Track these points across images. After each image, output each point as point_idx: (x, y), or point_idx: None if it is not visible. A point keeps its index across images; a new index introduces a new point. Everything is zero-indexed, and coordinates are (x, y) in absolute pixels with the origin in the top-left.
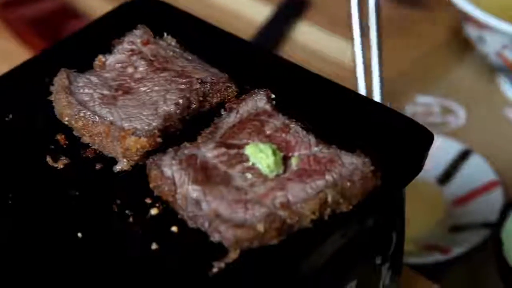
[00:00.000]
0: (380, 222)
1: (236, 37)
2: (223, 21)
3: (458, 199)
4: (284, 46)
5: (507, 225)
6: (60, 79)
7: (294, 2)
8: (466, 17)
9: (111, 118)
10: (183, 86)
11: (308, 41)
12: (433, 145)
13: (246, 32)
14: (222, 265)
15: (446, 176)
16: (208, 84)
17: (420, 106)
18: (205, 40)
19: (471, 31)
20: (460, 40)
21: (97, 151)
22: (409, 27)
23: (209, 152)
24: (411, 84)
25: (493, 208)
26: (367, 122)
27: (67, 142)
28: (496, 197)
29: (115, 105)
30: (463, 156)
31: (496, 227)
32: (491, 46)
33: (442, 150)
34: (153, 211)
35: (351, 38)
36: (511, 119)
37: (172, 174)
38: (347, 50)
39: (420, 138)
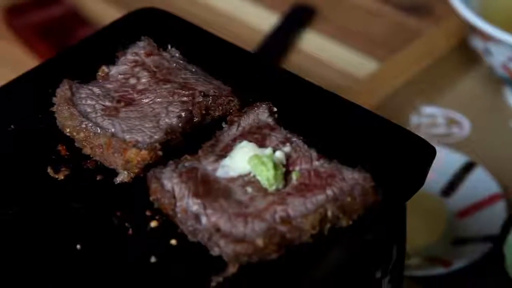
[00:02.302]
0: (381, 236)
1: (241, 49)
2: (229, 29)
3: (462, 211)
4: (290, 55)
5: (509, 239)
6: (63, 90)
7: (300, 11)
8: (472, 29)
9: (113, 130)
10: (185, 99)
11: (315, 50)
12: (437, 157)
13: (252, 41)
14: (221, 279)
15: (450, 188)
16: (211, 97)
17: (425, 117)
18: (209, 51)
19: (477, 43)
20: (466, 51)
21: (98, 163)
22: (415, 37)
23: (209, 165)
24: (416, 95)
25: (496, 221)
26: (369, 136)
27: (68, 153)
28: (499, 210)
29: (117, 116)
30: (467, 168)
31: (498, 240)
32: (496, 58)
33: (446, 162)
34: (153, 224)
35: (358, 48)
36: None
37: (172, 187)
38: (354, 60)
39: (422, 152)
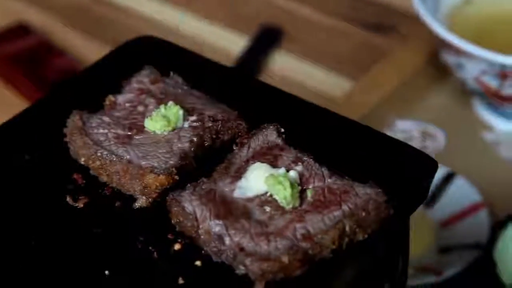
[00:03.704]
0: (390, 248)
1: (239, 71)
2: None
3: (445, 221)
4: (262, 76)
5: (499, 246)
6: (73, 121)
7: (268, 32)
8: (443, 44)
9: (128, 156)
10: (195, 124)
11: (286, 70)
12: None
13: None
14: None
15: (432, 199)
16: (220, 121)
17: (400, 132)
18: (206, 75)
19: (449, 58)
20: (435, 65)
21: (115, 189)
22: (382, 54)
23: (226, 186)
24: (389, 110)
25: (480, 228)
26: (373, 153)
27: (84, 181)
28: (482, 218)
29: (131, 144)
30: (447, 179)
31: (486, 247)
32: (469, 72)
33: None
34: (176, 246)
35: (327, 66)
36: (488, 142)
37: (193, 210)
38: (324, 79)
39: (425, 166)
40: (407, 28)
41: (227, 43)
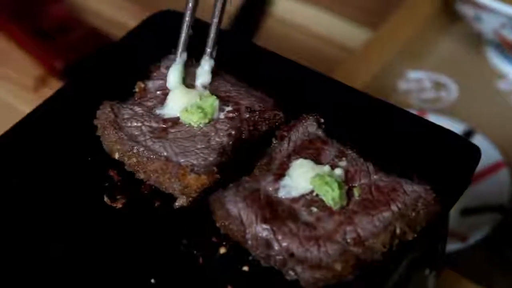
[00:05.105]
0: (433, 239)
1: (272, 53)
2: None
3: None
4: (265, 21)
5: None
6: (105, 113)
7: None
8: None
9: (165, 153)
10: (231, 115)
11: (289, 14)
12: None
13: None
14: None
15: None
16: (257, 112)
17: (412, 82)
18: (236, 52)
19: (467, 10)
20: (446, 13)
21: (153, 187)
22: (394, 3)
23: (269, 185)
24: (401, 60)
25: (502, 189)
26: (414, 140)
27: (120, 178)
28: (503, 178)
29: (166, 138)
30: (467, 136)
31: (508, 211)
32: (488, 24)
33: None
34: (222, 250)
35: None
36: (502, 91)
37: (238, 213)
38: (327, 22)
39: (468, 154)
40: None
41: None
